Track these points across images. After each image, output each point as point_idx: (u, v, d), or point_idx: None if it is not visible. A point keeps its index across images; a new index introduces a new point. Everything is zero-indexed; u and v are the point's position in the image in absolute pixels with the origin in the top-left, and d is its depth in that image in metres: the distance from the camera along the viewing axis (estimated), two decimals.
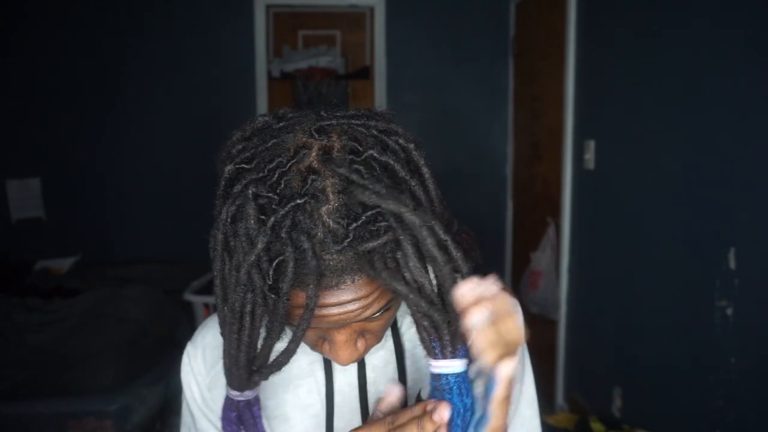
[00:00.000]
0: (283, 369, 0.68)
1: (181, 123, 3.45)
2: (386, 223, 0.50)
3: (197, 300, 2.55)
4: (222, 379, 0.72)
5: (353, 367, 0.70)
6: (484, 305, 0.50)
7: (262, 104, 3.49)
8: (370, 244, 0.50)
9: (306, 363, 0.71)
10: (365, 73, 3.63)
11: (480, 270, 0.77)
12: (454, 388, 0.54)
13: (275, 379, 0.71)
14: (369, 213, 0.50)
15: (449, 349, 0.54)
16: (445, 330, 0.53)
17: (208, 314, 2.49)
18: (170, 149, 3.46)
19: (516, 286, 3.27)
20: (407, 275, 0.52)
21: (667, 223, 1.90)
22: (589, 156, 2.44)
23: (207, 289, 2.58)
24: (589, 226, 2.51)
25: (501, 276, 3.26)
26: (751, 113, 1.52)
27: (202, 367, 0.73)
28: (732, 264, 1.57)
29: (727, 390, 1.60)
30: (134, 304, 2.37)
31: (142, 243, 3.46)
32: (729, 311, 1.59)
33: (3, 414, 1.86)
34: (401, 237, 0.50)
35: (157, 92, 3.43)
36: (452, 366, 0.54)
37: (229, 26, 3.45)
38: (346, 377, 0.71)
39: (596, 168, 2.42)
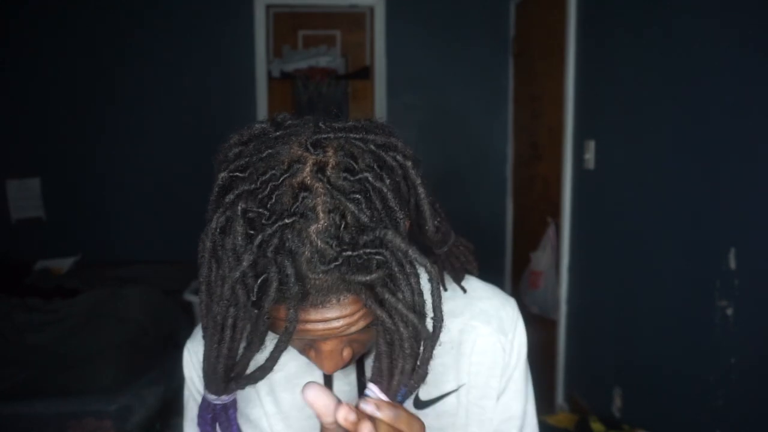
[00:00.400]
0: (283, 368, 0.68)
1: (181, 123, 3.45)
2: (381, 257, 0.50)
3: (197, 300, 2.55)
4: None
5: (352, 367, 0.70)
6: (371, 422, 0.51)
7: (262, 104, 3.49)
8: (362, 278, 0.50)
9: (305, 362, 0.71)
10: (365, 73, 3.63)
11: (480, 272, 0.77)
12: None
13: (274, 377, 0.71)
14: (368, 250, 0.50)
15: (393, 390, 0.55)
16: (397, 375, 0.54)
17: None
18: (170, 149, 3.46)
19: (516, 286, 3.27)
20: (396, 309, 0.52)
21: (667, 223, 1.90)
22: (589, 156, 2.44)
23: None
24: (589, 226, 2.51)
25: (501, 276, 3.24)
26: (751, 113, 1.52)
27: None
28: (732, 264, 1.57)
29: (727, 390, 1.60)
30: (134, 304, 2.36)
31: (142, 243, 3.46)
32: (729, 311, 1.59)
33: (3, 414, 1.86)
34: (400, 278, 0.51)
35: (157, 92, 3.43)
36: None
37: (229, 26, 3.45)
38: (345, 377, 0.71)
39: (596, 168, 2.42)
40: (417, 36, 3.54)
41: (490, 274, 0.76)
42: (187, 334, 0.81)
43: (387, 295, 0.51)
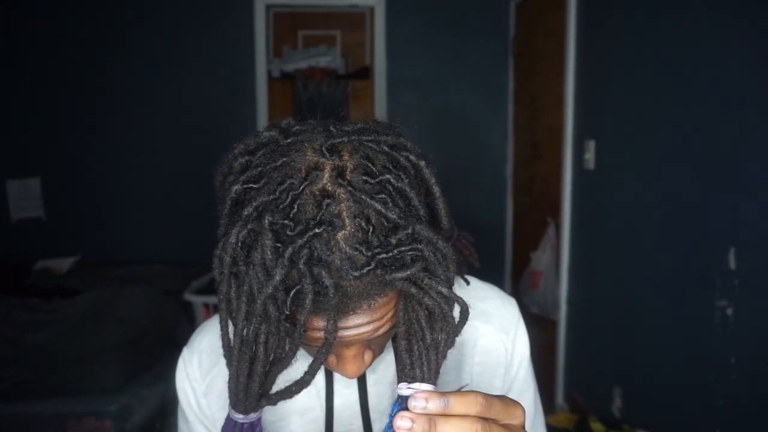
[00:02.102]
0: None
1: (181, 123, 3.45)
2: (415, 252, 0.50)
3: (197, 300, 2.55)
4: (217, 384, 0.71)
5: None
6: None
7: (262, 104, 3.49)
8: (402, 274, 0.50)
9: (305, 367, 0.70)
10: (365, 73, 3.63)
11: (479, 272, 0.78)
12: None
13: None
14: (403, 248, 0.50)
15: (432, 375, 0.55)
16: (440, 355, 0.55)
17: (207, 314, 2.49)
18: (170, 149, 3.46)
19: (516, 286, 3.27)
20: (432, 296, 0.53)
21: (667, 223, 1.90)
22: (589, 156, 2.44)
23: (207, 289, 2.58)
24: (589, 226, 2.51)
25: (501, 276, 3.24)
26: (751, 113, 1.52)
27: (197, 373, 0.73)
28: (732, 264, 1.57)
29: (727, 390, 1.60)
30: (134, 304, 2.37)
31: (142, 243, 3.46)
32: (729, 311, 1.59)
33: (3, 414, 1.86)
34: (437, 267, 0.52)
35: (157, 92, 3.43)
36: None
37: (229, 26, 3.45)
38: (346, 381, 0.70)
39: (596, 168, 2.42)
40: (417, 36, 3.54)
41: (490, 274, 0.76)
42: (187, 334, 0.81)
43: (428, 282, 0.52)
